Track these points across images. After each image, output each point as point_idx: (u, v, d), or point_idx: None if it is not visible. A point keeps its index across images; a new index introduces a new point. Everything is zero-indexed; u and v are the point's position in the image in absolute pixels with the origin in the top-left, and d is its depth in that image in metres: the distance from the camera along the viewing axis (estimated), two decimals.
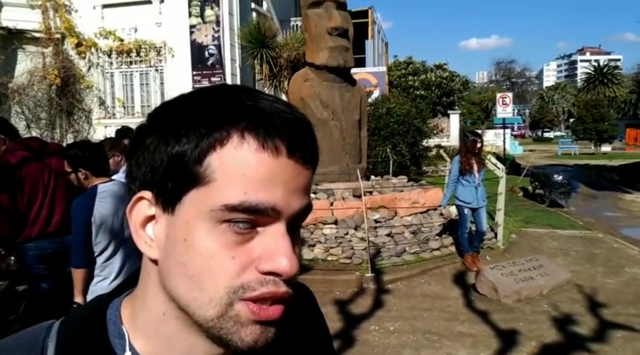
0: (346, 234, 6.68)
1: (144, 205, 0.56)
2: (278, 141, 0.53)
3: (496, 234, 7.45)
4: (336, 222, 6.86)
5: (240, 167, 0.52)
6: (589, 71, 59.94)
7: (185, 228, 0.53)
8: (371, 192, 7.66)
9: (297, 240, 0.57)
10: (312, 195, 7.38)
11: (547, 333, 4.56)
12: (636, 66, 70.44)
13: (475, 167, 6.40)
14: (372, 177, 9.30)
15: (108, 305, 0.62)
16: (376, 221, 7.07)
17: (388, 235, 6.83)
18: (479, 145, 6.52)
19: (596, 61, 67.82)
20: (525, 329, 4.64)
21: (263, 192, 0.52)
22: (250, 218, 0.52)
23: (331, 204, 7.18)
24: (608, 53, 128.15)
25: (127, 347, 0.57)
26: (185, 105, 0.56)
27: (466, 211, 6.42)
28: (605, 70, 57.09)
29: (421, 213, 7.70)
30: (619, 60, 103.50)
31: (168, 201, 0.54)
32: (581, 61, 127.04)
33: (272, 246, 0.53)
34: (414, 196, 7.74)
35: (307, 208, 0.57)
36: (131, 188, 0.58)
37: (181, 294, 0.54)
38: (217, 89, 0.57)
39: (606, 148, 36.81)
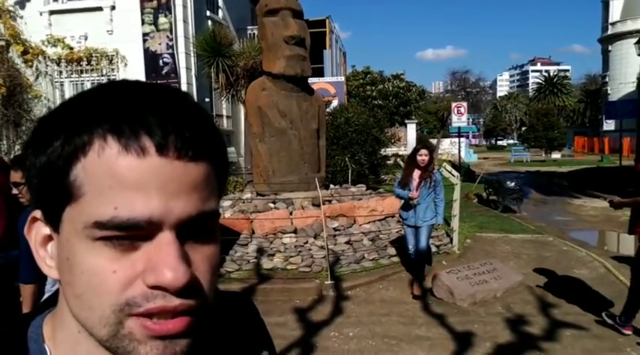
0: (306, 242, 6.68)
1: (39, 225, 0.53)
2: (145, 139, 0.46)
3: (452, 239, 7.60)
4: (295, 231, 6.86)
5: (105, 177, 0.46)
6: (540, 81, 62.12)
7: (67, 246, 0.49)
8: (330, 201, 7.71)
9: (203, 244, 0.51)
10: (272, 205, 7.38)
11: (501, 334, 4.68)
12: (584, 76, 73.65)
13: (414, 181, 5.73)
14: (331, 185, 9.35)
15: (29, 324, 0.58)
16: (335, 229, 7.11)
17: (347, 243, 6.87)
18: (421, 158, 5.70)
19: (546, 71, 70.35)
20: (480, 330, 4.75)
21: (136, 204, 0.46)
22: (125, 234, 0.47)
23: (290, 214, 7.18)
24: (558, 64, 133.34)
25: None
26: (57, 111, 0.51)
27: (405, 228, 6.02)
28: (555, 80, 59.28)
29: (379, 220, 7.79)
30: (568, 70, 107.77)
31: (52, 220, 0.50)
32: (533, 71, 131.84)
33: (155, 258, 0.47)
34: (373, 204, 7.82)
35: (205, 215, 0.50)
36: (31, 206, 0.54)
37: (76, 314, 0.50)
38: (93, 89, 0.51)
39: (556, 155, 38.14)
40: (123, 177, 0.46)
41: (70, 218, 0.48)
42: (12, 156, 11.39)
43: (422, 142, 6.75)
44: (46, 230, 0.52)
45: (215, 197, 0.52)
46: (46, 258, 0.53)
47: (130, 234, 0.47)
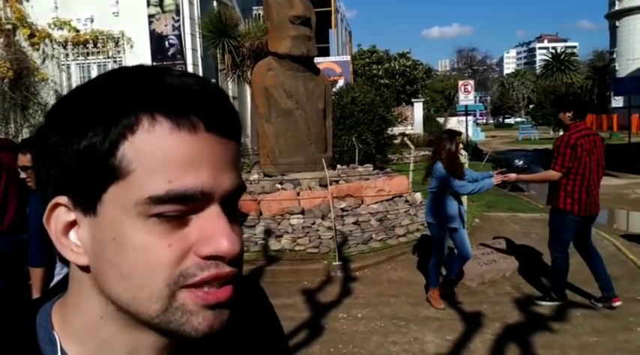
0: (313, 223, 6.69)
1: (62, 212, 0.52)
2: (193, 116, 0.49)
3: None
4: (302, 212, 6.86)
5: (158, 152, 0.48)
6: (547, 58, 61.39)
7: (112, 226, 0.49)
8: (337, 181, 7.69)
9: (235, 220, 0.54)
10: (279, 186, 7.38)
11: (510, 314, 4.69)
12: (591, 53, 72.60)
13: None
14: (338, 166, 9.33)
15: (37, 311, 0.58)
16: (343, 210, 7.10)
17: (355, 223, 6.87)
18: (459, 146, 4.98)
19: (553, 48, 69.44)
20: (489, 311, 4.75)
21: (188, 177, 0.48)
22: (180, 208, 0.48)
23: (298, 194, 7.18)
24: (565, 40, 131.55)
25: (59, 354, 0.54)
26: (85, 95, 0.51)
27: (443, 233, 4.85)
28: (562, 57, 58.55)
29: (387, 200, 7.77)
30: (575, 47, 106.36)
31: (88, 203, 0.50)
32: (540, 48, 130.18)
33: (209, 229, 0.50)
34: (380, 184, 7.80)
35: (240, 187, 0.54)
36: (44, 196, 0.53)
37: (119, 295, 0.50)
38: (117, 73, 0.52)
39: None
40: (176, 151, 0.48)
41: (116, 197, 0.49)
42: (19, 139, 11.41)
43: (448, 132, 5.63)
44: (70, 216, 0.52)
45: (240, 171, 0.56)
46: (71, 245, 0.52)
47: (183, 208, 0.49)
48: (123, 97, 0.49)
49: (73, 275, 0.55)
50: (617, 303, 4.67)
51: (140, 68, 0.53)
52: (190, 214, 0.50)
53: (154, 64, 12.80)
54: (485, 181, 4.84)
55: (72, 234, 0.52)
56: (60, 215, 0.52)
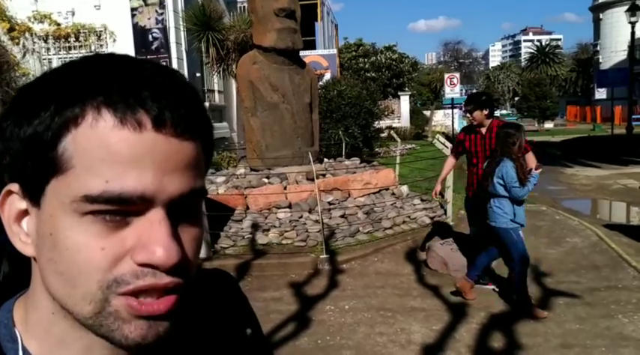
0: (300, 217, 6.70)
1: (14, 199, 0.50)
2: (141, 113, 0.45)
3: (445, 211, 7.64)
4: (290, 206, 6.87)
5: (98, 149, 0.45)
6: (532, 51, 61.89)
7: (50, 221, 0.47)
8: (324, 175, 7.70)
9: (191, 224, 0.51)
10: (265, 180, 7.37)
11: (495, 304, 4.75)
12: (575, 45, 73.25)
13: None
14: (325, 159, 9.33)
15: None
16: (330, 203, 7.12)
17: (342, 216, 6.90)
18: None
19: (538, 41, 70.00)
20: (474, 301, 4.81)
21: (128, 178, 0.45)
22: (116, 208, 0.46)
23: (285, 188, 7.18)
24: (550, 33, 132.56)
25: (21, 352, 0.52)
26: (42, 81, 0.49)
27: (519, 232, 4.66)
28: (547, 49, 59.10)
29: (374, 193, 7.80)
30: (560, 39, 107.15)
31: (33, 194, 0.48)
32: (525, 40, 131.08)
33: (146, 235, 0.46)
34: (367, 177, 7.82)
35: (195, 192, 0.50)
36: (2, 180, 0.51)
37: (56, 292, 0.49)
38: (82, 60, 0.49)
39: (549, 125, 38.26)
40: (117, 150, 0.45)
41: (55, 191, 0.47)
42: None
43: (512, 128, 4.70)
44: (22, 204, 0.50)
45: (203, 176, 0.52)
46: (20, 234, 0.51)
47: (120, 209, 0.46)
48: (73, 86, 0.46)
49: (33, 267, 0.53)
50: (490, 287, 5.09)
51: (107, 57, 0.50)
52: (130, 216, 0.47)
53: (138, 57, 12.66)
54: (534, 179, 4.53)
55: (24, 223, 0.51)
56: (13, 202, 0.51)
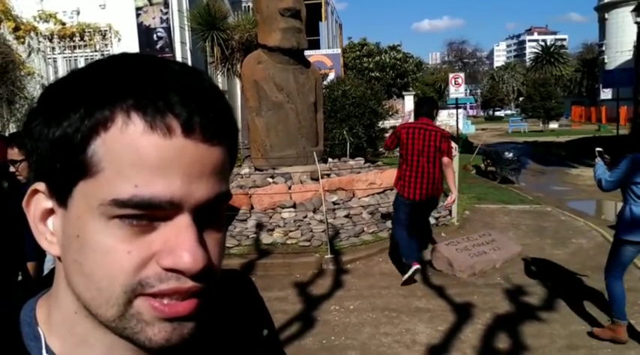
0: (305, 217, 6.69)
1: (41, 198, 0.51)
2: (170, 118, 0.45)
3: (450, 211, 7.61)
4: (294, 206, 6.86)
5: (128, 154, 0.45)
6: (537, 51, 61.63)
7: (77, 223, 0.47)
8: (329, 175, 7.69)
9: (216, 228, 0.51)
10: (270, 180, 7.37)
11: (500, 305, 4.72)
12: (581, 45, 73.01)
13: None
14: (330, 159, 9.33)
15: (22, 306, 0.56)
16: (334, 203, 7.11)
17: (346, 216, 6.88)
18: None
19: (543, 40, 69.72)
20: (480, 301, 4.79)
21: (157, 183, 0.45)
22: (145, 213, 0.46)
23: (289, 188, 7.17)
24: (555, 33, 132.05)
25: (44, 350, 0.52)
26: (71, 81, 0.48)
27: (632, 251, 3.86)
28: (551, 49, 58.83)
29: (378, 193, 7.78)
30: (565, 39, 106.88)
31: (60, 194, 0.48)
32: (530, 40, 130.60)
33: (173, 240, 0.46)
34: (371, 177, 7.81)
35: (221, 196, 0.50)
36: (30, 179, 0.52)
37: (81, 293, 0.49)
38: (110, 60, 0.49)
39: (554, 125, 38.09)
40: (147, 155, 0.45)
41: (83, 194, 0.47)
42: (6, 133, 11.29)
43: None
44: (48, 204, 0.50)
45: (228, 179, 0.52)
46: (46, 233, 0.51)
47: (148, 214, 0.46)
48: (102, 88, 0.46)
49: (56, 266, 0.54)
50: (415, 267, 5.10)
51: (135, 57, 0.50)
52: (158, 221, 0.47)
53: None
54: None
55: (50, 222, 0.51)
56: (39, 201, 0.51)
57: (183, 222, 0.47)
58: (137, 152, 0.45)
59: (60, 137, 0.46)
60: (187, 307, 0.48)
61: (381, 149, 15.28)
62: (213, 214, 0.50)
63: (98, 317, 0.48)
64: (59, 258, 0.51)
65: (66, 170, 0.47)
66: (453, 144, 7.89)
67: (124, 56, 0.50)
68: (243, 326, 0.68)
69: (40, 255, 2.86)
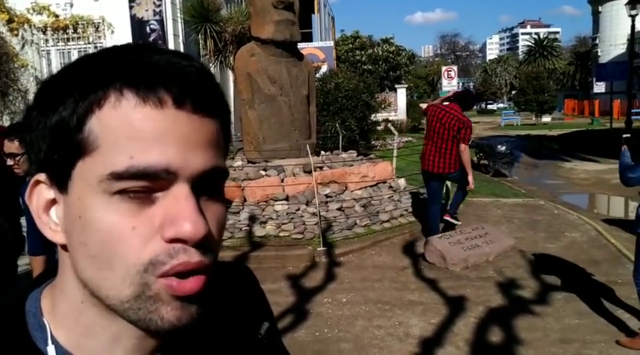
0: (298, 209, 6.67)
1: (42, 189, 0.52)
2: (162, 91, 0.47)
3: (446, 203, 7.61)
4: (287, 199, 6.83)
5: (122, 128, 0.46)
6: (530, 44, 61.76)
7: (78, 204, 0.48)
8: (321, 168, 7.66)
9: (215, 202, 0.52)
10: (263, 172, 7.34)
11: (493, 298, 4.73)
12: (574, 38, 73.20)
13: None
14: (322, 152, 9.30)
15: (26, 297, 0.57)
16: (327, 196, 7.09)
17: (339, 209, 6.87)
18: None
19: (536, 34, 69.84)
20: (472, 295, 4.80)
21: (152, 153, 0.46)
22: (144, 184, 0.47)
23: (282, 181, 7.14)
24: (548, 26, 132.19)
25: (49, 341, 0.53)
26: (64, 72, 0.50)
27: None
28: (545, 42, 58.98)
29: (371, 186, 7.77)
30: (558, 33, 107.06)
31: (60, 179, 0.50)
32: (523, 33, 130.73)
33: (173, 210, 0.48)
34: (364, 170, 7.79)
35: (218, 170, 0.51)
36: (31, 172, 0.53)
37: (90, 277, 0.49)
38: (102, 51, 0.51)
39: (546, 119, 38.18)
40: (140, 127, 0.46)
41: (82, 173, 0.48)
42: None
43: None
44: (50, 194, 0.51)
45: (224, 156, 0.54)
46: (50, 223, 0.52)
47: (147, 185, 0.47)
48: (94, 72, 0.48)
49: (60, 257, 0.54)
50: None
51: (126, 46, 0.52)
52: (157, 192, 0.48)
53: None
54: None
55: (52, 212, 0.52)
56: (41, 192, 0.52)
57: (181, 192, 0.48)
58: (131, 125, 0.46)
59: (57, 122, 0.48)
60: (195, 284, 0.48)
61: (373, 142, 15.28)
62: (211, 188, 0.51)
63: (109, 299, 0.48)
64: (63, 248, 0.52)
65: (64, 153, 0.48)
66: None
67: (116, 46, 0.52)
68: (244, 318, 0.69)
69: (49, 248, 2.83)
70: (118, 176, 0.46)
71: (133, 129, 0.46)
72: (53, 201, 0.52)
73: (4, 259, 3.07)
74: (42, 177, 0.51)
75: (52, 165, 0.50)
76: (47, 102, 0.49)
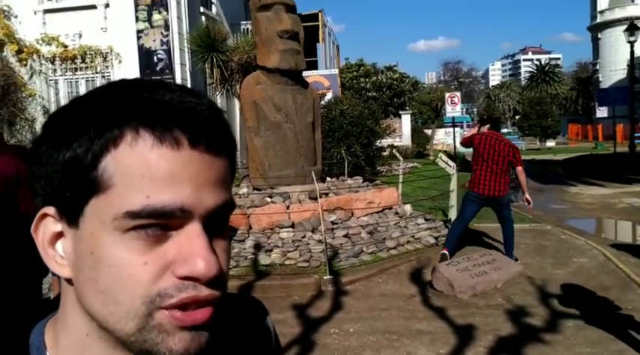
0: (303, 237, 6.65)
1: (49, 222, 0.52)
2: (177, 132, 0.48)
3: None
4: (292, 226, 6.82)
5: (138, 167, 0.47)
6: (532, 70, 62.21)
7: (91, 240, 0.49)
8: (327, 194, 7.67)
9: (223, 236, 0.54)
10: (268, 199, 7.34)
11: (502, 326, 4.67)
12: (575, 64, 73.70)
13: None
14: (328, 178, 9.31)
15: (31, 330, 0.57)
16: (333, 222, 7.08)
17: (345, 236, 6.85)
18: None
19: (537, 60, 70.47)
20: (481, 323, 4.73)
21: (168, 192, 0.47)
22: (158, 222, 0.48)
23: (287, 208, 7.14)
24: (549, 52, 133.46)
25: None
26: (76, 107, 0.51)
27: None
28: (546, 68, 59.41)
29: (377, 212, 7.76)
30: (559, 58, 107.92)
31: (71, 215, 0.50)
32: (524, 60, 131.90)
33: (186, 248, 0.48)
34: (370, 196, 7.79)
35: (227, 205, 0.53)
36: (36, 205, 0.53)
37: (97, 312, 0.50)
38: (112, 86, 0.52)
39: (551, 143, 38.24)
40: (157, 166, 0.47)
41: (96, 210, 0.48)
42: None
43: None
44: (57, 227, 0.51)
45: (230, 189, 0.55)
46: (55, 257, 0.52)
47: (162, 222, 0.48)
48: (110, 110, 0.48)
49: (63, 289, 0.54)
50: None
51: (136, 82, 0.53)
52: (170, 230, 0.49)
53: (143, 78, 12.75)
54: None
55: (59, 245, 0.52)
56: (47, 225, 0.52)
57: (194, 230, 0.49)
58: (147, 164, 0.47)
59: (71, 158, 0.48)
60: (204, 315, 0.49)
61: (379, 168, 15.31)
62: (220, 223, 0.53)
63: (116, 332, 0.49)
64: (68, 281, 0.52)
65: (78, 189, 0.49)
66: (452, 163, 7.95)
67: (124, 81, 0.53)
68: (251, 352, 0.68)
69: None
70: (134, 215, 0.47)
71: (149, 168, 0.47)
72: (60, 235, 0.52)
73: (30, 283, 3.10)
74: (50, 210, 0.51)
75: (63, 201, 0.50)
76: (59, 138, 0.49)
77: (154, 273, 0.48)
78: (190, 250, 0.48)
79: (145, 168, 0.47)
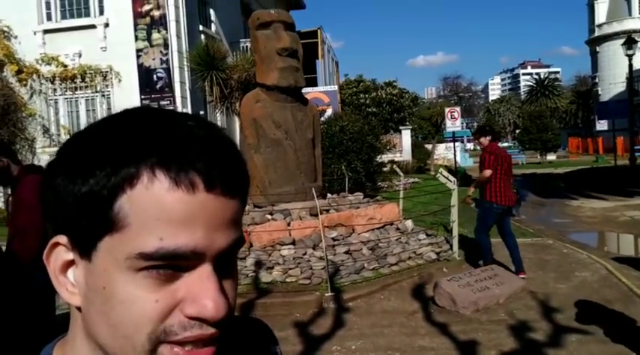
0: (304, 254, 6.63)
1: (61, 251, 0.52)
2: (193, 175, 0.48)
3: (451, 246, 7.56)
4: (293, 243, 6.81)
5: (154, 209, 0.47)
6: (531, 84, 62.53)
7: (104, 276, 0.49)
8: (328, 211, 7.66)
9: (230, 275, 0.54)
10: (269, 216, 7.33)
11: (505, 342, 4.63)
12: (574, 78, 74.10)
13: None
14: (328, 195, 9.31)
15: (39, 352, 0.58)
16: (334, 239, 7.06)
17: (346, 253, 6.82)
18: None
19: (537, 74, 70.84)
20: (484, 339, 4.69)
21: (181, 236, 0.48)
22: (170, 263, 0.48)
23: (288, 225, 7.13)
24: (548, 66, 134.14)
25: None
26: (92, 138, 0.51)
27: None
28: (546, 82, 59.71)
29: (378, 228, 7.74)
30: (558, 72, 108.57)
31: (84, 248, 0.50)
32: (523, 74, 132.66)
33: (196, 289, 0.49)
34: (371, 212, 7.78)
35: (238, 241, 0.53)
36: (47, 229, 0.54)
37: (106, 344, 0.50)
38: (129, 116, 0.52)
39: (551, 157, 38.27)
40: (172, 210, 0.47)
41: (109, 248, 0.49)
42: None
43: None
44: (69, 255, 0.52)
45: (241, 225, 0.55)
46: (67, 284, 0.53)
47: (173, 264, 0.48)
48: (126, 146, 0.48)
49: (72, 315, 0.55)
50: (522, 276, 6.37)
51: (151, 112, 0.53)
52: (181, 271, 0.49)
53: (143, 97, 12.85)
54: None
55: (70, 273, 0.53)
56: (59, 253, 0.52)
57: (205, 272, 0.50)
58: (162, 207, 0.47)
59: (86, 193, 0.48)
60: (207, 353, 0.50)
61: (379, 183, 15.30)
62: (229, 260, 0.53)
63: None
64: (78, 308, 0.53)
65: (92, 225, 0.49)
66: (452, 178, 7.95)
67: (139, 111, 0.54)
68: None
69: None
70: (147, 256, 0.47)
71: (164, 211, 0.47)
72: (71, 263, 0.52)
73: (42, 305, 3.11)
74: (62, 239, 0.52)
75: (77, 233, 0.50)
76: (76, 170, 0.49)
77: (164, 311, 0.48)
78: (200, 291, 0.49)
79: (160, 210, 0.47)
